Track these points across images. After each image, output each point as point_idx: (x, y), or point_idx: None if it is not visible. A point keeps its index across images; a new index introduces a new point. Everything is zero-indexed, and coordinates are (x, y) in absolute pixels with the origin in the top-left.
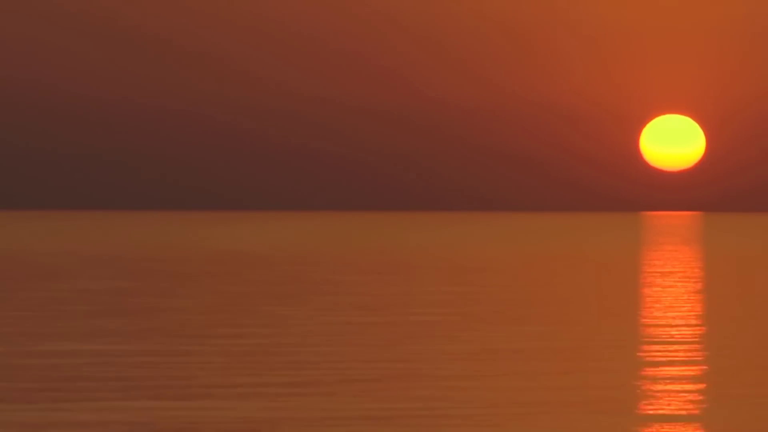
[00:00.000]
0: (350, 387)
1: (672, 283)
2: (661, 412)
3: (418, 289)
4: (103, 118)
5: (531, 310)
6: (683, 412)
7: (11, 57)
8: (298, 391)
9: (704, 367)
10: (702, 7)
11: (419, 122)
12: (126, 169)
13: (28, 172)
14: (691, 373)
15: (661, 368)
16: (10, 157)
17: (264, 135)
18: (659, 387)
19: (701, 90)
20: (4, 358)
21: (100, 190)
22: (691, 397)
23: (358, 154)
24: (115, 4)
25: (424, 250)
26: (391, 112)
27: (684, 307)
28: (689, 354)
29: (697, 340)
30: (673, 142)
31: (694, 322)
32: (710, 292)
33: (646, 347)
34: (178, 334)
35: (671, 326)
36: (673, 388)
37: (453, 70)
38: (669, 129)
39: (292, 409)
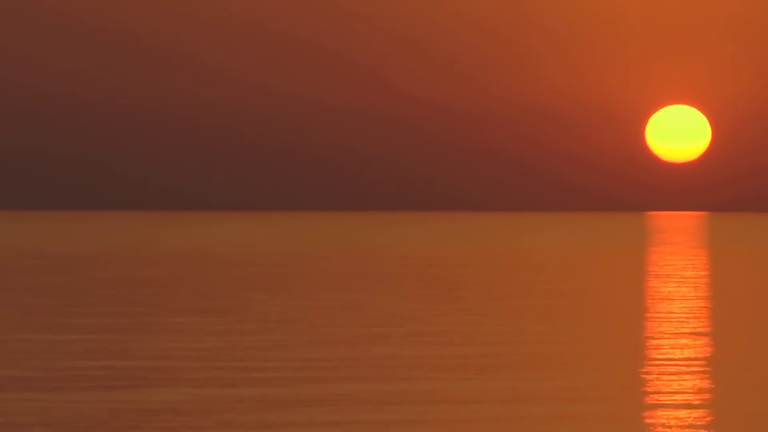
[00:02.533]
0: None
1: (676, 283)
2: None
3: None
4: (81, 118)
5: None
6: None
7: None
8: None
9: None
10: (698, 3)
11: (409, 124)
12: (103, 169)
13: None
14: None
15: (664, 367)
16: None
17: (242, 135)
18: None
19: (702, 82)
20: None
21: (76, 190)
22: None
23: (346, 154)
24: (96, 6)
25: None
26: (376, 113)
27: (690, 309)
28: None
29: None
30: (678, 131)
31: (700, 323)
32: (715, 294)
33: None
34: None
35: (677, 322)
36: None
37: (449, 74)
38: (673, 120)
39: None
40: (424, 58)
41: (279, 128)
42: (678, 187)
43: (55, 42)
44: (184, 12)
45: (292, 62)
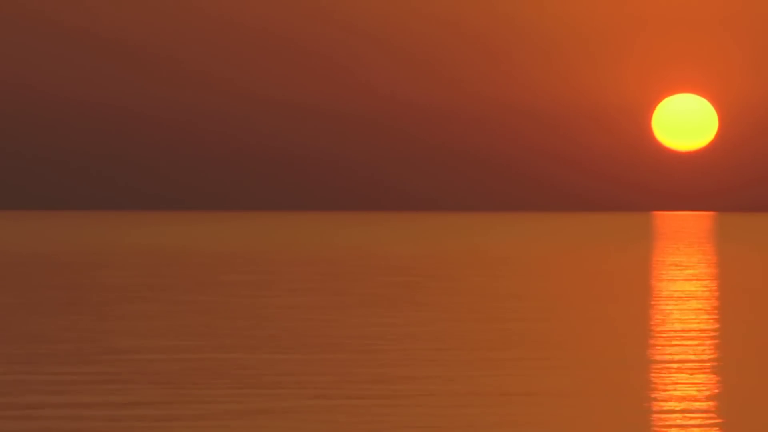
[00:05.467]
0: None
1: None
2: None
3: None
4: (56, 119)
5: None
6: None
7: None
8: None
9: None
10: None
11: (389, 125)
12: (64, 168)
13: None
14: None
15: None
16: None
17: (219, 136)
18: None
19: (702, 71)
20: None
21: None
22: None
23: (325, 155)
24: (74, 9)
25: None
26: (357, 114)
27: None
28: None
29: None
30: (684, 122)
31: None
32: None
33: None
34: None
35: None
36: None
37: (430, 75)
38: (677, 110)
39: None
40: (403, 60)
41: (255, 129)
42: (684, 186)
43: (35, 44)
44: (160, 13)
45: (270, 64)
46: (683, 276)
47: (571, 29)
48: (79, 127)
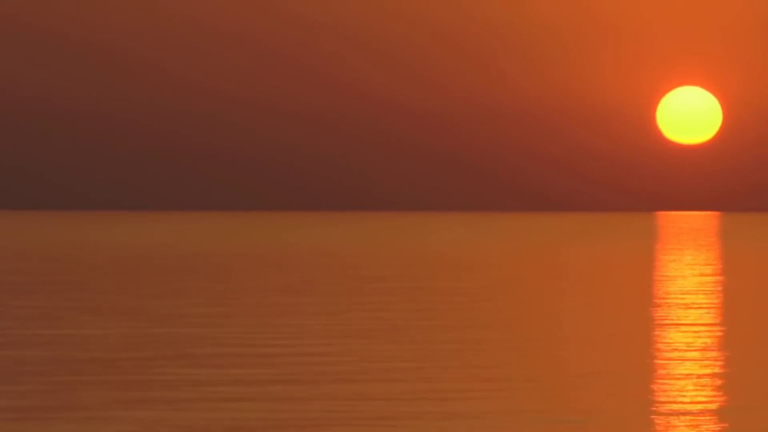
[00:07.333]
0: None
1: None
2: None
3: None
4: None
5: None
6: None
7: None
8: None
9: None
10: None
11: (374, 128)
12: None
13: None
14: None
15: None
16: None
17: (207, 139)
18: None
19: (712, 67)
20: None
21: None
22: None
23: (309, 159)
24: (30, 6)
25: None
26: (342, 118)
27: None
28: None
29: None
30: (688, 115)
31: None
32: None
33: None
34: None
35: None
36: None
37: (415, 78)
38: (682, 104)
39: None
40: (395, 66)
41: (237, 132)
42: (689, 184)
43: (16, 49)
44: (138, 19)
45: (252, 67)
46: (695, 279)
47: (571, 29)
48: (59, 133)
